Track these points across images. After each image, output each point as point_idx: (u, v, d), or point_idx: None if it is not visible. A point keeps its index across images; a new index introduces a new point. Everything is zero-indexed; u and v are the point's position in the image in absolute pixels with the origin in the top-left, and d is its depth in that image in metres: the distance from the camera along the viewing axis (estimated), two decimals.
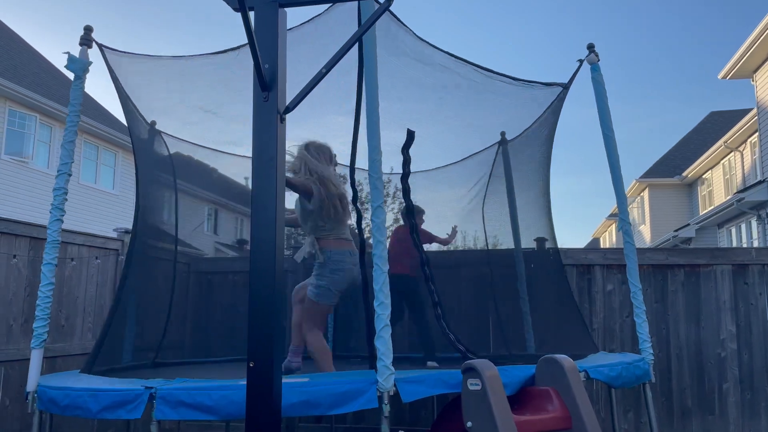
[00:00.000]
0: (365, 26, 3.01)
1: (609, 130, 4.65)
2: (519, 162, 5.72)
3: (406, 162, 4.45)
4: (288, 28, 3.29)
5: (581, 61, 4.78)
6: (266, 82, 2.72)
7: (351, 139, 4.46)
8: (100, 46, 4.33)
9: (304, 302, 4.14)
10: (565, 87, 5.04)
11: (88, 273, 5.29)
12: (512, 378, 3.41)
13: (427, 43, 4.40)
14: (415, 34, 4.29)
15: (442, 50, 4.47)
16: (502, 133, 5.79)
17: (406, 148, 4.45)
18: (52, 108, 15.46)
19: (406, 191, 4.50)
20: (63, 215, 3.90)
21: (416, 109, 4.98)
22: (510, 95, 4.96)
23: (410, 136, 4.40)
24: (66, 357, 4.94)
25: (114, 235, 5.79)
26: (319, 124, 4.98)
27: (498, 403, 3.02)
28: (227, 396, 3.06)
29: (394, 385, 3.05)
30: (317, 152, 4.23)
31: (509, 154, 5.78)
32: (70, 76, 4.15)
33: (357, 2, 3.62)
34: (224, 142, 5.66)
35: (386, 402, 3.00)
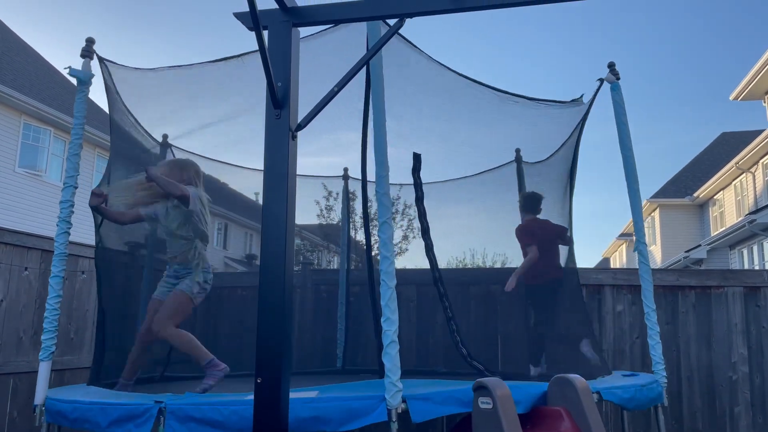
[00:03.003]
0: (375, 47, 3.04)
1: (628, 150, 4.55)
2: (536, 181, 5.71)
3: (418, 185, 4.50)
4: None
5: (601, 80, 4.69)
6: (278, 100, 2.75)
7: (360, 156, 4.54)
8: (101, 59, 4.36)
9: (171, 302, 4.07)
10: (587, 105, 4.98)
11: None
12: (524, 396, 3.38)
13: (442, 64, 4.43)
14: (428, 55, 4.33)
15: (456, 72, 4.51)
16: (517, 151, 5.79)
17: (416, 171, 4.50)
18: (66, 122, 15.64)
19: (422, 214, 4.54)
20: (70, 228, 3.92)
21: (428, 127, 5.02)
22: (526, 115, 4.95)
23: (417, 159, 4.49)
24: (74, 370, 4.95)
25: (125, 249, 5.81)
26: (331, 139, 5.03)
27: (509, 422, 3.00)
28: (238, 411, 3.05)
29: (404, 402, 3.03)
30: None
31: (525, 173, 5.77)
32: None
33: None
34: (224, 153, 5.68)
35: (394, 419, 2.98)
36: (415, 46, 4.29)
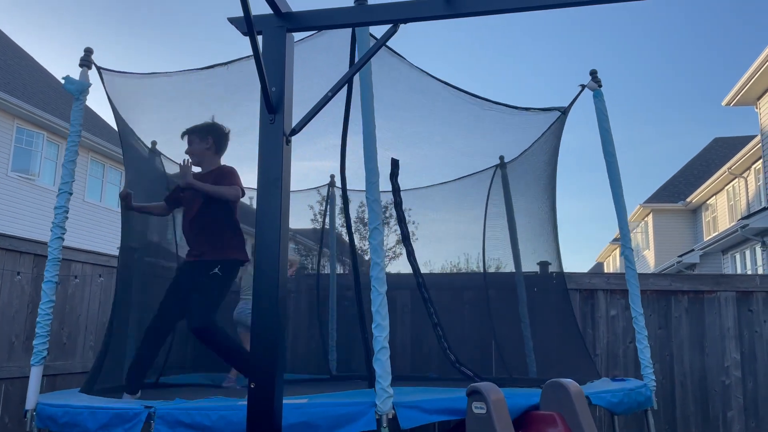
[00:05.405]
0: (370, 52, 3.04)
1: (611, 156, 4.66)
2: (521, 186, 5.74)
3: (396, 191, 4.48)
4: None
5: (583, 87, 4.78)
6: (273, 105, 2.75)
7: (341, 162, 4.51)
8: (99, 68, 4.36)
9: None
10: (564, 111, 5.06)
11: (91, 291, 5.29)
12: (517, 402, 3.38)
13: (425, 72, 4.44)
14: (412, 63, 4.34)
15: (438, 79, 4.52)
16: (501, 158, 5.83)
17: (394, 177, 4.47)
18: (59, 126, 15.58)
19: (401, 219, 4.52)
20: (64, 233, 3.93)
21: (413, 132, 5.02)
22: (507, 121, 4.99)
23: (395, 164, 4.47)
24: (66, 375, 4.93)
25: (118, 252, 5.79)
26: (326, 145, 5.02)
27: (503, 427, 3.00)
28: (226, 416, 3.05)
29: (393, 409, 3.03)
30: None
31: (509, 178, 5.80)
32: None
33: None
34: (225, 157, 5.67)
35: (385, 425, 2.98)
36: (397, 53, 4.30)
